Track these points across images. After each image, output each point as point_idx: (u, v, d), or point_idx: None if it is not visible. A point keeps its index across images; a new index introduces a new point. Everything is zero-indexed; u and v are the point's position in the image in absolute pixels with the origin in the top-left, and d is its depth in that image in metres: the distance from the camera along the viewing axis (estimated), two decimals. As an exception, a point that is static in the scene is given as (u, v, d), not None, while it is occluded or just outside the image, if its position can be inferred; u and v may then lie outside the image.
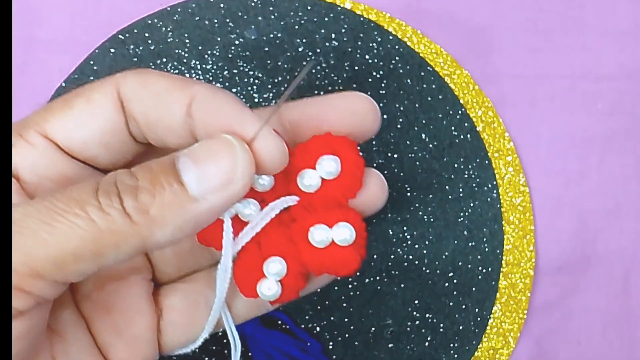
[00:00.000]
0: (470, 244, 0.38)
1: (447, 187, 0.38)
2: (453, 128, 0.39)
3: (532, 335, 0.39)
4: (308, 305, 0.38)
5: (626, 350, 0.40)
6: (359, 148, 0.23)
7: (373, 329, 0.38)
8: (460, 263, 0.38)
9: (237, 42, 0.38)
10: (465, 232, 0.38)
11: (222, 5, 0.38)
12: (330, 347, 0.38)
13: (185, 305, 0.25)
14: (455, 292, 0.38)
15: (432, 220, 0.38)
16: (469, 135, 0.39)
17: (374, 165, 0.38)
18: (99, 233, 0.18)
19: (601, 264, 0.40)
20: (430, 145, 0.38)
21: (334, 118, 0.23)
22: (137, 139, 0.22)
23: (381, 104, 0.38)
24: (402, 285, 0.38)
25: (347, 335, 0.38)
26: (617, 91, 0.40)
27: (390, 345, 0.38)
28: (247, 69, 0.38)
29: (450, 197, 0.38)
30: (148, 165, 0.19)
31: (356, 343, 0.38)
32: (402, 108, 0.38)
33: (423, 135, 0.38)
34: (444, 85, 0.39)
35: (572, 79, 0.40)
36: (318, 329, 0.38)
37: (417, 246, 0.38)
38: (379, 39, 0.38)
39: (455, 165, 0.39)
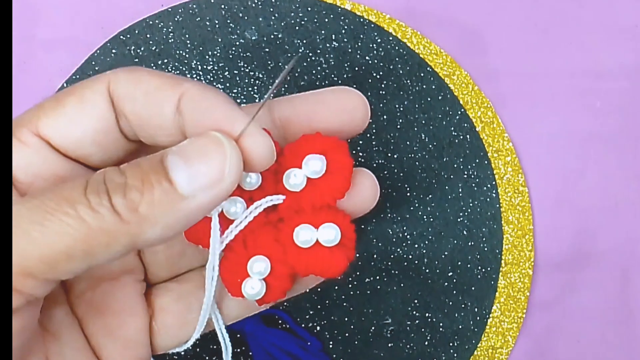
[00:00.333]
0: (469, 243, 0.39)
1: (446, 187, 0.39)
2: (452, 128, 0.39)
3: (531, 333, 0.40)
4: (308, 304, 0.38)
5: (625, 348, 0.40)
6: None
7: (373, 327, 0.38)
8: (459, 262, 0.38)
9: (237, 42, 0.38)
10: (465, 232, 0.39)
11: (222, 5, 0.38)
12: (330, 345, 0.38)
13: (178, 306, 0.25)
14: (454, 291, 0.38)
15: (431, 219, 0.39)
16: (468, 135, 0.39)
17: (374, 164, 0.38)
18: (90, 231, 0.18)
19: (600, 262, 0.40)
20: (430, 145, 0.39)
21: (324, 114, 0.23)
22: (128, 136, 0.22)
23: (381, 104, 0.38)
24: (402, 284, 0.38)
25: (346, 334, 0.38)
26: (616, 90, 0.40)
27: (389, 344, 0.38)
28: (247, 70, 0.38)
29: (449, 196, 0.39)
30: (137, 163, 0.19)
31: (356, 342, 0.38)
32: (401, 108, 0.38)
33: (422, 135, 0.39)
34: (443, 85, 0.39)
35: (571, 78, 0.40)
36: (318, 327, 0.38)
37: (416, 245, 0.38)
38: (379, 40, 0.38)
39: (455, 165, 0.39)
